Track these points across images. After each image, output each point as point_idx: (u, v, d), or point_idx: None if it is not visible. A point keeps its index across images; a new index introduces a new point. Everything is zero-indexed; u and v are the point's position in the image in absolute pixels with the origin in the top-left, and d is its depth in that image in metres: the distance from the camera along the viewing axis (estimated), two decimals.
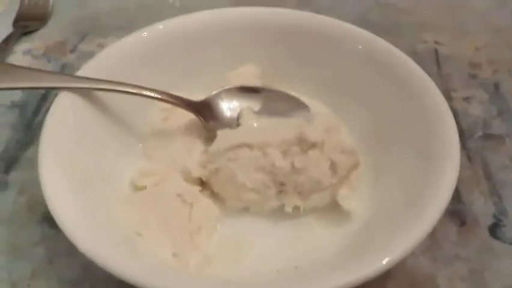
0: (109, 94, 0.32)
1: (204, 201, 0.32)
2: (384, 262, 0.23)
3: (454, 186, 0.26)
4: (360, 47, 0.35)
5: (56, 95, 0.31)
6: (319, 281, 0.23)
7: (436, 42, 0.48)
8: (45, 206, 0.26)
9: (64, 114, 0.30)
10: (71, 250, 0.27)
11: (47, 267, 0.31)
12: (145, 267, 0.25)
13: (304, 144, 0.30)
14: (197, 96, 0.35)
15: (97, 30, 0.49)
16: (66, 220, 0.25)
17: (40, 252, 0.31)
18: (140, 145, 0.35)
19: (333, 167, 0.30)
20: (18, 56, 0.46)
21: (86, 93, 0.32)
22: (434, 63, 0.46)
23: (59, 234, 0.25)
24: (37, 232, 0.32)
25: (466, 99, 0.42)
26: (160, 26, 0.36)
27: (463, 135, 0.39)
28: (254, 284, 0.24)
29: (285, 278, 0.27)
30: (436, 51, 0.47)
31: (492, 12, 0.51)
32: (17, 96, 0.42)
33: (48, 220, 0.32)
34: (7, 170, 0.36)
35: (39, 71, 0.32)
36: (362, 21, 0.39)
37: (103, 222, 0.28)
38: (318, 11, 0.38)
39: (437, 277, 0.30)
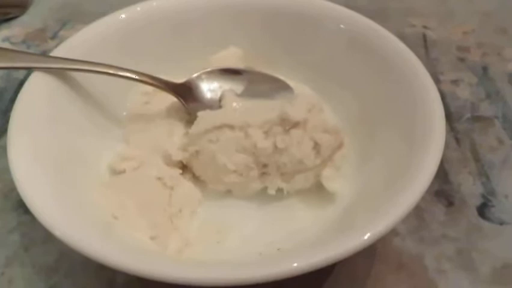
0: (86, 76, 0.31)
1: (185, 185, 0.31)
2: (365, 237, 0.22)
3: (438, 161, 0.25)
4: (342, 26, 0.34)
5: None
6: (300, 258, 0.22)
7: (424, 27, 0.47)
8: None
9: (36, 96, 0.29)
10: (47, 237, 0.26)
11: (22, 255, 0.30)
12: (121, 249, 0.24)
13: (287, 124, 0.29)
14: (179, 80, 0.34)
15: (78, 17, 0.48)
16: (37, 204, 0.24)
17: (15, 239, 0.30)
18: (120, 129, 0.34)
19: (316, 147, 0.29)
20: None
21: (61, 74, 0.30)
22: (422, 47, 0.45)
23: (34, 220, 0.24)
24: (12, 219, 0.31)
25: (454, 82, 0.41)
26: (138, 8, 0.35)
27: (451, 118, 0.38)
28: (233, 265, 0.23)
29: (266, 259, 0.26)
30: (424, 35, 0.46)
31: None
32: None
33: (23, 206, 0.30)
34: None
35: (10, 50, 0.31)
36: (349, 7, 0.39)
37: (78, 206, 0.27)
38: None
39: (425, 258, 0.29)
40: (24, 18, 0.48)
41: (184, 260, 0.26)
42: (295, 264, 0.21)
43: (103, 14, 0.46)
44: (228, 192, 0.31)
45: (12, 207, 0.32)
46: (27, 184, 0.25)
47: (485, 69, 0.43)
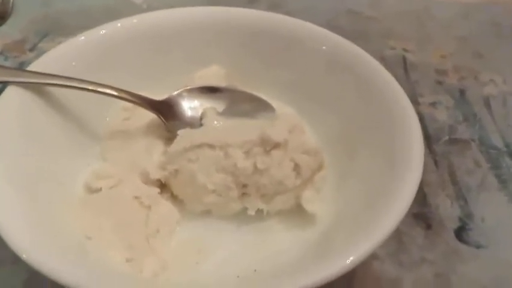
0: (64, 92, 0.31)
1: (163, 204, 0.30)
2: (347, 262, 0.22)
3: (416, 187, 0.25)
4: (324, 47, 0.34)
5: None
6: (277, 284, 0.21)
7: (404, 50, 0.48)
8: None
9: (11, 111, 0.28)
10: (16, 257, 0.25)
11: None
12: (93, 273, 0.23)
13: (267, 145, 0.29)
14: (159, 97, 0.33)
15: (58, 30, 0.47)
16: (4, 223, 0.23)
17: None
18: (98, 146, 0.33)
19: (296, 168, 0.29)
20: None
21: (37, 89, 0.30)
22: (402, 69, 0.46)
23: (2, 239, 0.23)
24: None
25: (433, 104, 0.42)
26: (119, 24, 0.35)
27: (430, 140, 0.38)
28: None
29: (243, 282, 0.26)
30: (404, 58, 0.47)
31: (456, 22, 0.52)
32: None
33: None
34: None
35: None
36: (330, 27, 0.39)
37: (50, 226, 0.26)
38: (287, 15, 0.38)
39: (403, 281, 0.29)
40: (3, 29, 0.47)
41: (159, 284, 0.25)
42: None
43: (83, 27, 0.46)
44: (207, 212, 0.30)
45: None
46: None
47: (462, 92, 0.44)
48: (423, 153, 0.26)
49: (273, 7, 0.52)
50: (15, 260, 0.29)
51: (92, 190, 0.30)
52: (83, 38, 0.33)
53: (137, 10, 0.51)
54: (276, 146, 0.29)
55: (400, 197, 0.24)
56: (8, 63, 0.43)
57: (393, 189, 0.25)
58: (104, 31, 0.34)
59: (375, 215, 0.24)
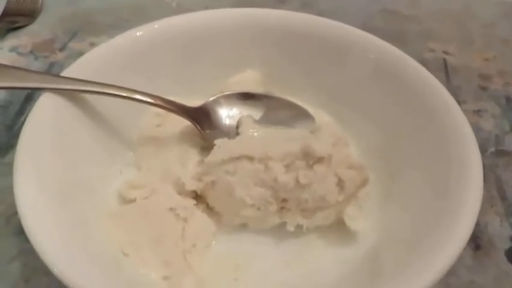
0: (97, 97, 0.30)
1: (199, 216, 0.29)
2: None
3: (475, 218, 0.23)
4: (369, 54, 0.32)
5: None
6: None
7: (444, 52, 0.46)
8: None
9: (46, 119, 0.27)
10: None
11: (22, 286, 0.28)
12: None
13: (310, 159, 0.27)
14: (194, 103, 0.32)
15: (88, 29, 0.46)
16: (40, 237, 0.22)
17: (16, 268, 0.29)
18: (131, 153, 0.32)
19: (340, 183, 0.28)
20: (3, 52, 0.43)
21: (71, 96, 0.29)
22: (443, 73, 0.44)
23: None
24: (13, 246, 0.30)
25: (477, 112, 0.40)
26: (156, 25, 0.33)
27: None
28: None
29: None
30: (445, 61, 0.45)
31: (498, 21, 0.50)
32: (0, 95, 0.39)
33: None
34: None
35: (20, 69, 0.29)
36: (366, 28, 0.37)
37: (84, 239, 0.25)
38: (320, 16, 0.36)
39: None
40: (33, 28, 0.46)
41: None
42: None
43: (112, 25, 0.45)
44: (244, 225, 0.29)
45: (14, 232, 0.30)
46: (30, 216, 0.23)
47: (508, 99, 0.41)
48: (482, 177, 0.24)
49: (304, 7, 0.50)
50: (49, 270, 0.28)
51: (126, 200, 0.29)
52: (117, 41, 0.32)
53: (166, 8, 0.50)
54: (320, 160, 0.27)
55: (455, 233, 0.22)
56: (37, 63, 0.42)
57: (448, 221, 0.23)
58: (139, 33, 0.33)
59: (426, 249, 0.23)
